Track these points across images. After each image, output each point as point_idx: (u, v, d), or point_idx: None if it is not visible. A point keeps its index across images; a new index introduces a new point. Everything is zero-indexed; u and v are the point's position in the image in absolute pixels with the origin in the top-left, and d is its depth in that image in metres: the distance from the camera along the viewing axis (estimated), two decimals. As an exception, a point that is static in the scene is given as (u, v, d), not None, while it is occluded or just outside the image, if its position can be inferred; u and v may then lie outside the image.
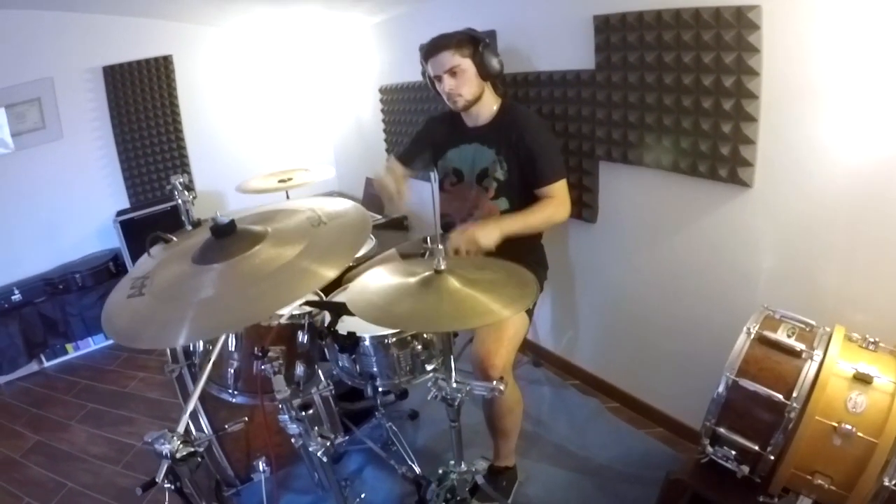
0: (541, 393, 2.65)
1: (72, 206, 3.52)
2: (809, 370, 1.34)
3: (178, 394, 1.91)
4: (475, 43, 1.96)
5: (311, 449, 1.46)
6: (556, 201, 1.97)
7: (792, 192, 1.69)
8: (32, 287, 3.28)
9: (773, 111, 1.65)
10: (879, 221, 1.52)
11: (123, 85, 3.51)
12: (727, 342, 1.49)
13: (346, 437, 2.18)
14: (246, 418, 1.87)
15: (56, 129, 3.40)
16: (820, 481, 1.27)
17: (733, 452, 1.45)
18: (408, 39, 3.08)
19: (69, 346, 3.45)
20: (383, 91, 3.58)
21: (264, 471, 1.91)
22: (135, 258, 3.46)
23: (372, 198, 3.80)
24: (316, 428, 1.48)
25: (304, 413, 1.43)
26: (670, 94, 1.87)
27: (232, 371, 1.53)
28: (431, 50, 1.99)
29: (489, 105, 2.07)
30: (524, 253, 1.97)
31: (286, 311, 1.52)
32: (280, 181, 2.67)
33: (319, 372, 1.97)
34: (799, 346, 1.38)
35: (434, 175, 1.35)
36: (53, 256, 3.47)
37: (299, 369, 1.57)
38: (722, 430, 1.45)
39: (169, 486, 1.46)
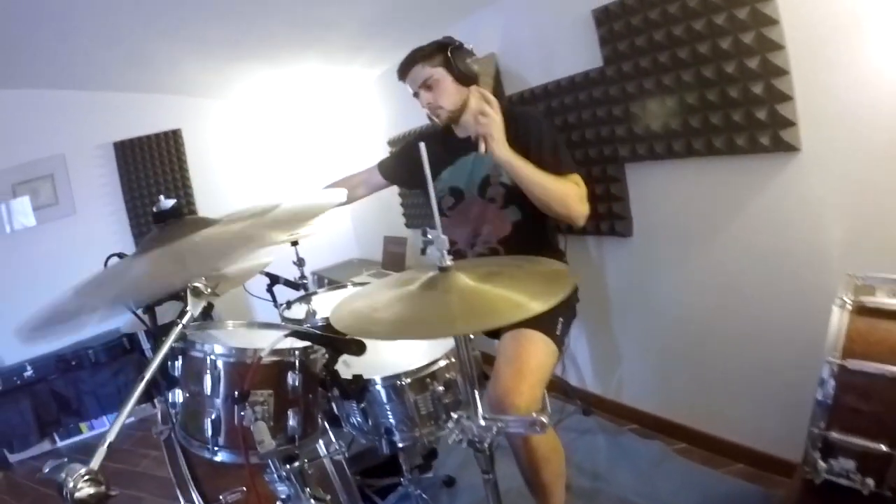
0: (595, 444, 2.32)
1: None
2: (933, 331, 1.04)
3: (166, 460, 1.64)
4: (444, 48, 1.81)
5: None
6: (579, 189, 1.71)
7: (846, 145, 1.47)
8: (45, 363, 3.18)
9: (805, 59, 1.49)
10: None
11: (134, 160, 3.55)
12: (806, 344, 1.22)
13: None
14: (244, 488, 1.57)
15: (69, 205, 3.43)
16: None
17: (853, 463, 1.10)
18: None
19: (83, 426, 3.37)
20: (392, 143, 3.54)
21: (269, 557, 1.59)
22: (149, 334, 3.33)
23: (391, 257, 3.63)
24: (308, 489, 1.20)
25: (289, 467, 1.15)
26: (688, 68, 1.71)
27: (210, 421, 1.28)
28: (403, 69, 1.86)
29: None
30: None
31: (268, 345, 1.27)
32: (288, 235, 2.49)
33: (330, 432, 1.72)
34: (910, 305, 1.09)
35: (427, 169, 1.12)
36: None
37: (292, 420, 1.31)
38: (834, 434, 1.12)
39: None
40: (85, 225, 3.48)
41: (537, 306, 0.90)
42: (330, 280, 3.74)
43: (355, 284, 2.56)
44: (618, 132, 1.99)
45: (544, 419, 1.13)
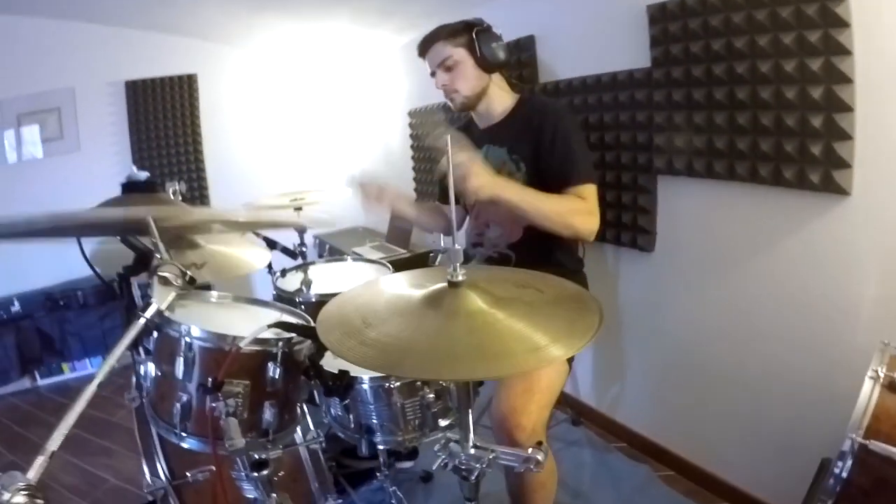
0: (580, 457, 2.29)
1: (84, 220, 3.40)
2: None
3: (135, 429, 1.59)
4: (469, 29, 1.69)
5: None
6: (586, 204, 1.57)
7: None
8: (33, 300, 3.18)
9: (872, 98, 1.37)
10: None
11: (145, 101, 3.45)
12: (818, 396, 1.19)
13: (340, 502, 1.80)
14: (213, 467, 1.51)
15: (73, 141, 3.35)
16: None
17: (854, 554, 1.03)
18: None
19: (65, 366, 3.37)
20: (413, 115, 3.43)
21: (235, 542, 1.54)
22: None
23: (397, 231, 3.55)
24: (274, 495, 1.14)
25: (256, 474, 1.08)
26: (744, 86, 1.58)
27: (179, 405, 1.20)
28: (424, 45, 1.74)
29: (500, 101, 1.76)
30: None
31: (249, 335, 1.19)
32: (291, 200, 2.40)
33: (308, 418, 1.67)
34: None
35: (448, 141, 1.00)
36: (60, 272, 3.32)
37: (268, 413, 1.24)
38: (842, 514, 1.04)
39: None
40: (88, 163, 3.39)
41: (558, 352, 0.79)
42: (332, 247, 3.67)
43: (356, 258, 2.50)
44: (656, 141, 1.87)
45: (540, 457, 1.05)
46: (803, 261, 1.59)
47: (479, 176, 1.45)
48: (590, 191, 1.58)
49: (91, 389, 0.76)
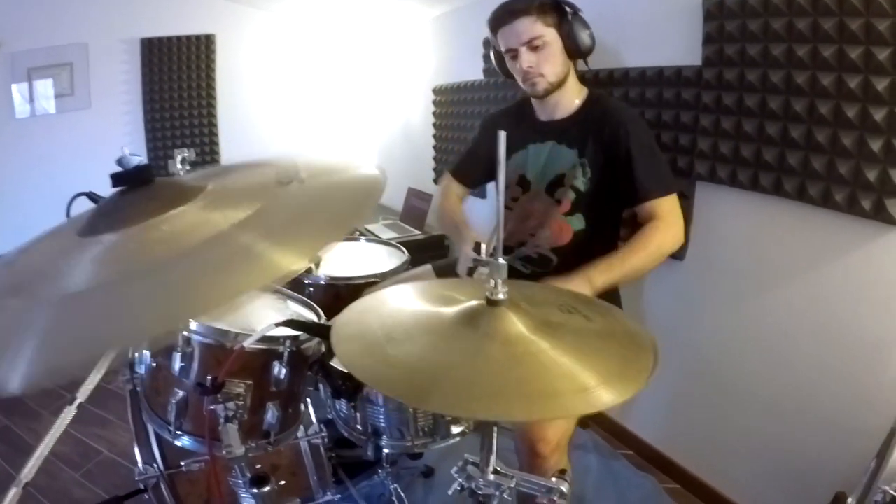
0: (586, 463, 2.25)
1: (89, 178, 3.37)
2: None
3: (129, 414, 1.55)
4: (561, 9, 1.59)
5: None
6: (662, 224, 1.53)
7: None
8: None
9: None
10: None
11: (160, 60, 3.40)
12: (839, 427, 1.23)
13: (338, 496, 1.78)
14: (208, 457, 1.49)
15: (84, 98, 3.32)
16: None
17: None
18: (468, 34, 2.85)
19: None
20: (437, 92, 3.34)
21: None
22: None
23: (412, 211, 3.48)
24: None
25: (256, 491, 1.05)
26: (802, 98, 1.49)
27: (174, 403, 1.17)
28: (504, 16, 1.60)
29: (572, 94, 1.68)
30: None
31: (255, 334, 1.13)
32: (305, 174, 2.33)
33: (311, 411, 1.63)
34: None
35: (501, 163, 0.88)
36: (64, 229, 3.34)
37: (270, 414, 1.21)
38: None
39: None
40: (98, 120, 3.36)
41: (608, 397, 0.71)
42: (342, 219, 3.63)
43: (369, 238, 2.44)
44: (700, 145, 1.79)
45: (564, 488, 0.99)
46: (843, 288, 1.53)
47: (580, 284, 1.41)
48: (671, 202, 1.55)
49: (70, 413, 0.71)
